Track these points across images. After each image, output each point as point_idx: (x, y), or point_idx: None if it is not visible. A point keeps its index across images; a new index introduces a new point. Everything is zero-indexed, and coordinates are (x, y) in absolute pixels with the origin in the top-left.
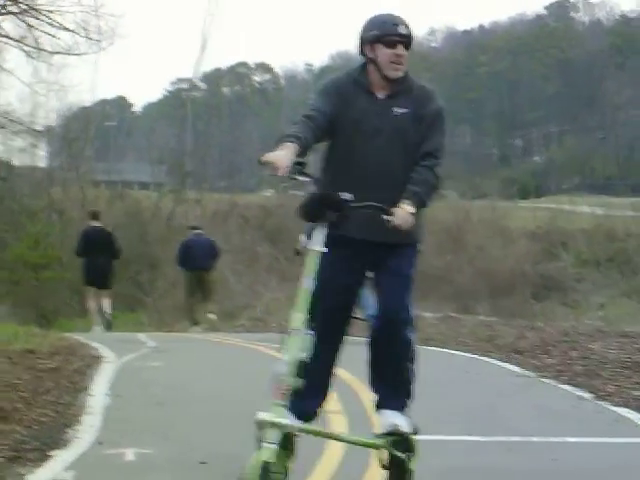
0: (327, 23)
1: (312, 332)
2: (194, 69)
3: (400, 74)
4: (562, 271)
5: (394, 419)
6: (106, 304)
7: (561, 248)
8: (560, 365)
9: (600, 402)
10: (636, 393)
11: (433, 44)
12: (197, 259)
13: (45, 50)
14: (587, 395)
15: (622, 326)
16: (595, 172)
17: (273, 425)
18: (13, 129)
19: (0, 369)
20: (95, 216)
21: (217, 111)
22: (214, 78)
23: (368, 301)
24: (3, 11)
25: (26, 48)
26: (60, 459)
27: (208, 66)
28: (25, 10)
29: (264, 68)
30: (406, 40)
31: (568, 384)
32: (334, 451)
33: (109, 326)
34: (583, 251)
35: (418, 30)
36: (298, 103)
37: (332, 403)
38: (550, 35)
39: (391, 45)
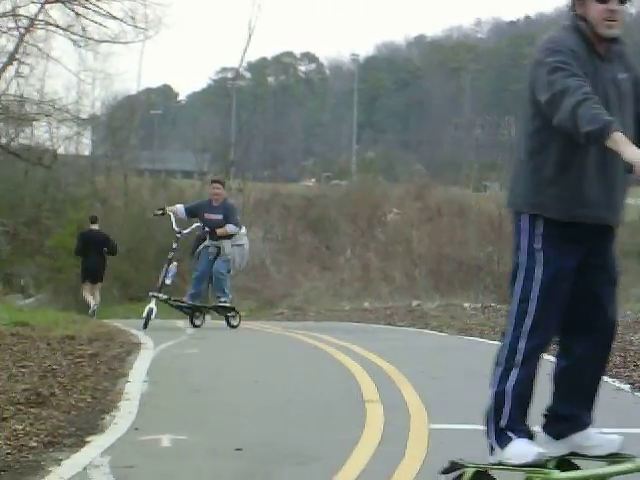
0: (373, 13)
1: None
2: (240, 58)
3: (616, 32)
4: None
5: (613, 436)
6: (95, 296)
7: None
8: None
9: (639, 393)
10: None
11: (479, 35)
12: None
13: (92, 39)
14: (626, 386)
15: None
16: None
17: None
18: (58, 117)
19: (39, 355)
20: (93, 220)
21: (261, 101)
22: (259, 67)
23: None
24: None
25: (73, 36)
26: (96, 444)
27: (253, 55)
28: None
29: (309, 58)
30: None
31: (607, 375)
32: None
33: (93, 316)
34: (625, 242)
35: (464, 20)
36: (343, 93)
37: (370, 391)
38: None
39: None
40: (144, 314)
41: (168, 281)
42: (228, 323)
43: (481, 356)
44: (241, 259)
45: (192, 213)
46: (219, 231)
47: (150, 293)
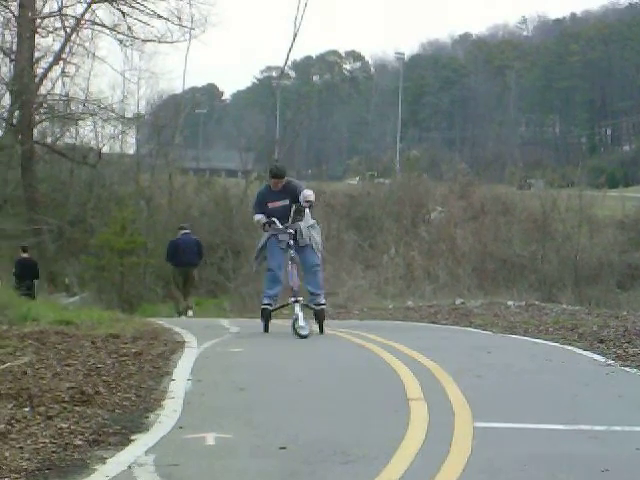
0: (418, 11)
1: None
2: (285, 57)
3: None
4: None
5: None
6: None
7: None
8: None
9: None
10: None
11: (525, 33)
12: (184, 256)
13: (138, 38)
14: None
15: None
16: None
17: None
18: (104, 116)
19: (84, 354)
20: (25, 250)
21: (306, 99)
22: (304, 66)
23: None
24: None
25: (119, 36)
26: (141, 443)
27: (298, 54)
28: None
29: (354, 56)
30: None
31: None
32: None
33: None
34: None
35: (510, 18)
36: (388, 92)
37: (414, 390)
38: None
39: None
40: (295, 323)
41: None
42: (321, 328)
43: (525, 354)
44: (320, 240)
45: (261, 207)
46: (311, 197)
47: (292, 299)
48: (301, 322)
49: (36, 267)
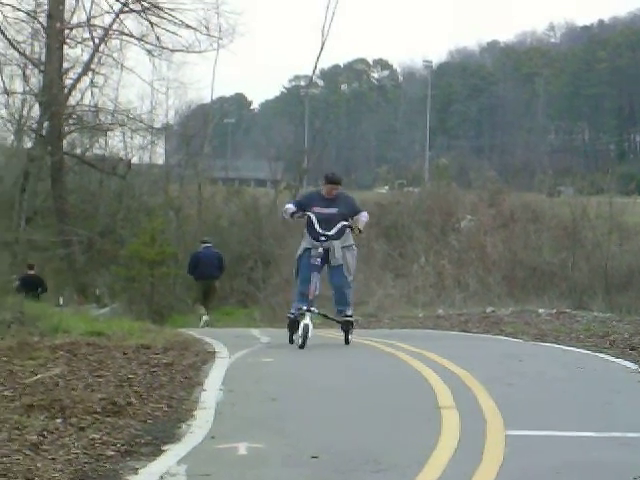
0: (445, 19)
1: None
2: (313, 66)
3: None
4: None
5: None
6: None
7: None
8: None
9: None
10: None
11: (552, 40)
12: (205, 269)
13: (166, 48)
14: None
15: None
16: None
17: None
18: (132, 127)
19: (115, 364)
20: (31, 267)
21: (334, 108)
22: (332, 75)
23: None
24: (126, 9)
25: (147, 46)
26: (173, 453)
27: (326, 63)
28: (147, 8)
29: (382, 64)
30: None
31: None
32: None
33: None
34: None
35: (538, 26)
36: (416, 100)
37: (445, 398)
38: None
39: None
40: (299, 332)
41: (317, 292)
42: (347, 339)
43: (556, 362)
44: (354, 263)
45: (301, 206)
46: (362, 225)
47: (302, 308)
48: (309, 333)
49: (40, 284)
